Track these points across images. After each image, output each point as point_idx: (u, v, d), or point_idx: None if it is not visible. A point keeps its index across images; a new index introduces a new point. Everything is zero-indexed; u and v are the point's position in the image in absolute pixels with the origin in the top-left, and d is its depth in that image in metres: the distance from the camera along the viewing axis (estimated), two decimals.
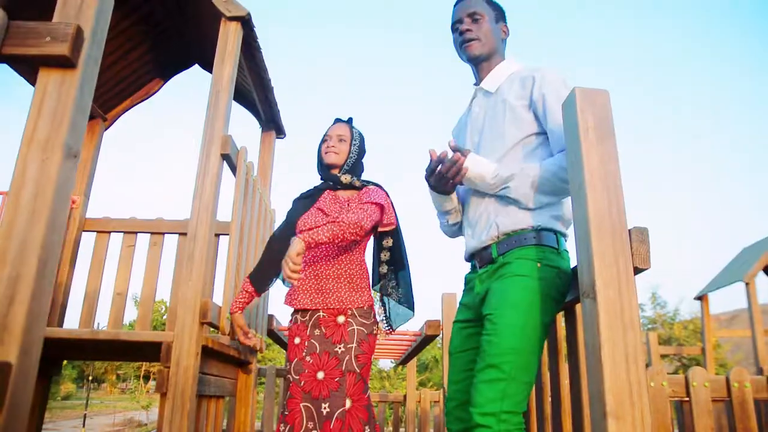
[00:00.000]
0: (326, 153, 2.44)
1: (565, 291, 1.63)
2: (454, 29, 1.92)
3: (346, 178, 2.45)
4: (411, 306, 2.41)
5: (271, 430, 5.90)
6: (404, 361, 6.47)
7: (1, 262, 1.14)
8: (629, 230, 1.27)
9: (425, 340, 4.42)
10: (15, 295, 1.12)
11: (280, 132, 4.14)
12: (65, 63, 1.29)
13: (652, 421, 2.42)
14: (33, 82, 3.80)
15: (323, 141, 2.51)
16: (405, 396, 6.65)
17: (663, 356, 15.88)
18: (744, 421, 2.50)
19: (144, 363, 34.01)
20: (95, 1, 1.38)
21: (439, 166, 1.71)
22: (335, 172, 2.47)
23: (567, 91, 1.64)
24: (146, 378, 37.83)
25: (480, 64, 1.89)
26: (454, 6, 1.93)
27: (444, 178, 1.71)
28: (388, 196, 2.44)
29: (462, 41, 1.87)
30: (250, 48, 3.09)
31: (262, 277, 2.44)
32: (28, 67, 3.66)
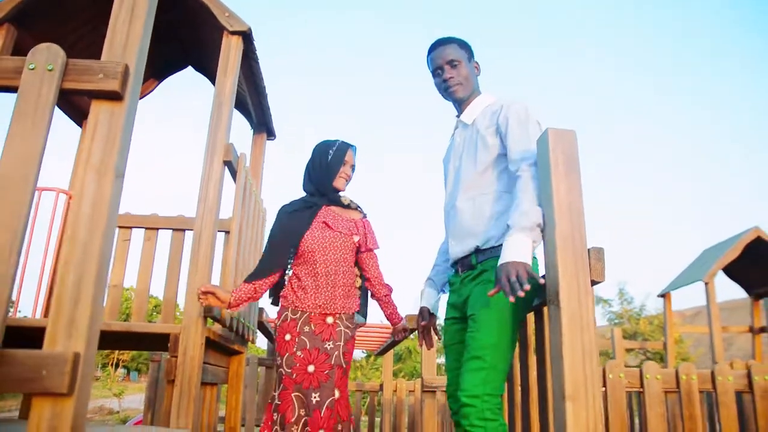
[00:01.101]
0: (340, 178, 2.63)
1: (534, 295, 1.91)
2: (435, 75, 2.18)
3: (345, 200, 2.68)
4: (364, 315, 2.78)
5: (252, 416, 6.12)
6: (382, 352, 6.74)
7: (68, 268, 1.35)
8: (588, 250, 1.55)
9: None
10: (80, 296, 1.34)
11: (270, 134, 4.35)
12: (115, 96, 1.50)
13: (610, 407, 2.72)
14: (76, 120, 4.05)
15: (341, 163, 2.64)
16: (381, 385, 6.92)
17: (628, 350, 16.44)
18: (690, 409, 2.83)
19: (113, 351, 33.73)
20: (137, 41, 1.58)
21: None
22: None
23: (527, 115, 1.94)
24: (116, 366, 37.62)
25: (461, 102, 2.16)
26: (430, 52, 2.17)
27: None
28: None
29: (446, 87, 2.13)
30: (248, 60, 3.30)
31: (260, 276, 2.57)
32: (72, 108, 3.90)
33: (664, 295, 7.85)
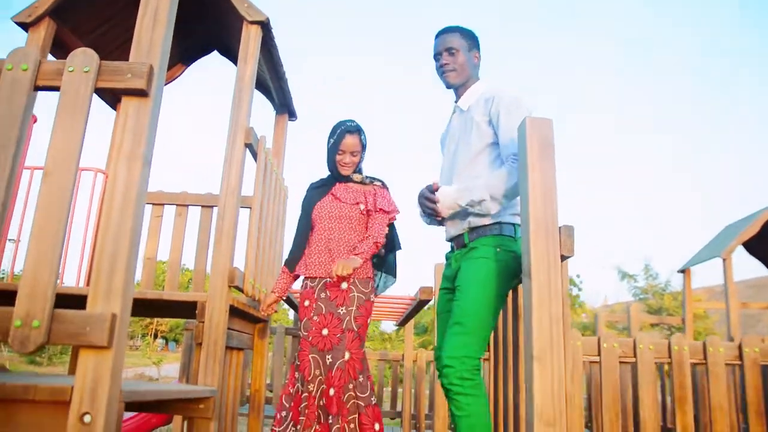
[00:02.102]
0: (341, 167, 2.86)
1: (518, 270, 2.10)
2: (435, 59, 2.36)
3: (357, 177, 2.92)
4: (394, 275, 3.00)
5: (280, 382, 6.46)
6: (402, 323, 6.99)
7: (105, 242, 1.59)
8: (559, 227, 1.72)
9: (419, 304, 4.92)
10: (115, 265, 1.58)
11: (292, 115, 4.56)
12: (141, 93, 1.72)
13: (603, 375, 2.90)
14: (112, 106, 4.37)
15: (338, 151, 2.85)
16: (403, 355, 7.19)
17: (653, 325, 16.44)
18: (680, 378, 2.99)
19: (153, 321, 34.84)
20: (160, 43, 1.79)
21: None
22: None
23: (516, 108, 2.11)
24: (154, 336, 38.91)
25: (458, 88, 2.33)
26: (435, 37, 2.36)
27: (433, 218, 2.23)
28: (390, 193, 2.93)
29: (442, 72, 2.31)
30: (267, 47, 3.49)
31: (295, 261, 2.94)
32: (109, 97, 4.24)
33: (683, 271, 7.90)
